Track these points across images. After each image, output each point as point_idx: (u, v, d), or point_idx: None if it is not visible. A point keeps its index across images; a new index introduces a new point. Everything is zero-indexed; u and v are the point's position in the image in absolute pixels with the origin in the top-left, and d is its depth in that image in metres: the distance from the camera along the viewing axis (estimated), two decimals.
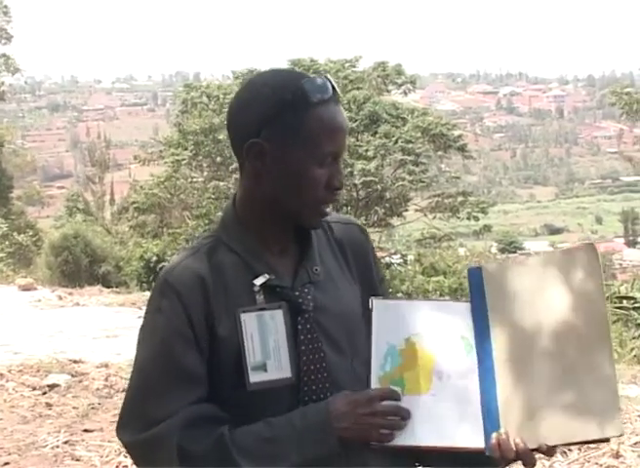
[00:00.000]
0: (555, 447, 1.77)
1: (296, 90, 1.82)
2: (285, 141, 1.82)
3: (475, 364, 1.84)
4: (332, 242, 2.01)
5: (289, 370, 1.82)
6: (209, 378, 1.84)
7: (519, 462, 1.77)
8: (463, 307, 1.89)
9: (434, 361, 1.84)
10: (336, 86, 1.87)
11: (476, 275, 1.90)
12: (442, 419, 1.80)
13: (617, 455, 5.31)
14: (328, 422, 1.74)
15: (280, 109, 1.81)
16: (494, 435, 1.77)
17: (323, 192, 1.85)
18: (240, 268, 1.87)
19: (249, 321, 1.81)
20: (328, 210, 1.91)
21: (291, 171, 1.83)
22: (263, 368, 1.80)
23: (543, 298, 1.80)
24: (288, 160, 1.83)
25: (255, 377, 1.80)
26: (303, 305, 1.86)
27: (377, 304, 1.90)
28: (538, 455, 1.79)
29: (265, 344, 1.81)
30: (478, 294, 1.88)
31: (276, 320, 1.82)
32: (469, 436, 1.79)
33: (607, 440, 1.75)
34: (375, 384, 1.83)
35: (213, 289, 1.84)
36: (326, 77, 1.87)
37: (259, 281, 1.84)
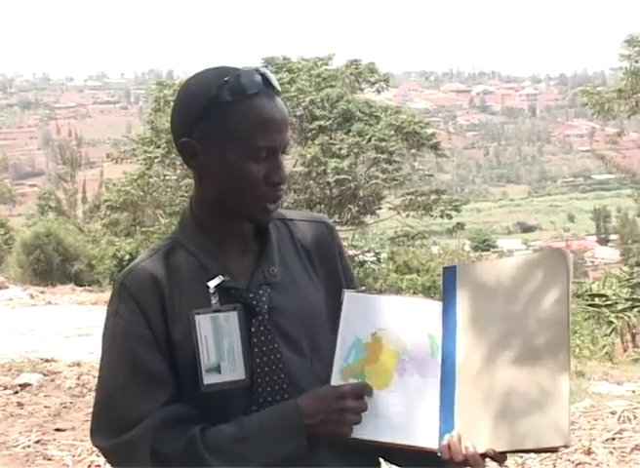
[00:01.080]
0: (505, 453, 1.75)
1: (222, 85, 1.78)
2: (215, 139, 1.80)
3: (439, 363, 1.83)
4: (296, 241, 1.98)
5: (243, 373, 1.80)
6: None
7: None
8: (436, 306, 1.88)
9: (398, 357, 1.82)
10: (272, 79, 1.82)
11: (450, 274, 1.89)
12: (398, 416, 1.78)
13: (588, 452, 5.34)
14: (298, 420, 1.73)
15: (207, 106, 1.79)
16: (446, 436, 1.76)
17: (263, 188, 1.82)
18: (196, 270, 1.85)
19: (203, 323, 1.80)
20: (273, 206, 1.86)
21: (225, 168, 1.80)
22: (217, 369, 1.79)
23: (511, 304, 1.79)
24: (221, 157, 1.80)
25: (209, 379, 1.79)
26: (257, 307, 1.84)
27: (347, 297, 1.89)
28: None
29: (220, 346, 1.80)
30: (450, 294, 1.86)
31: (230, 322, 1.81)
32: (424, 435, 1.78)
33: (555, 450, 1.73)
34: (336, 376, 1.82)
35: (168, 291, 1.83)
36: (258, 70, 1.83)
37: (213, 283, 1.82)
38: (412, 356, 1.83)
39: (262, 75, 1.81)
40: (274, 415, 1.75)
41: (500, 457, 1.75)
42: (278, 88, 1.84)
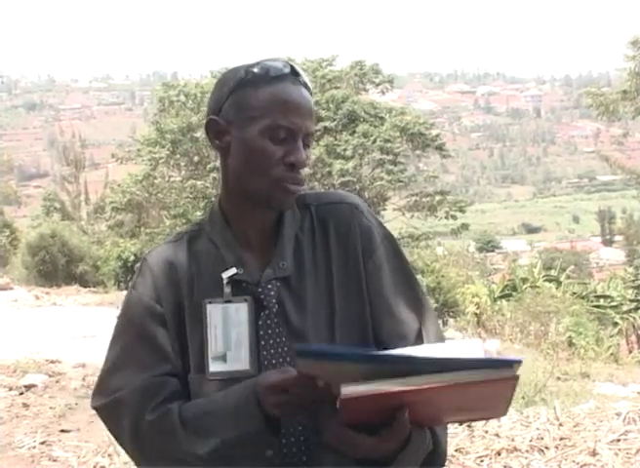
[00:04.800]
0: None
1: (252, 68, 1.85)
2: (240, 117, 1.85)
3: None
4: (315, 229, 1.96)
5: (247, 364, 1.83)
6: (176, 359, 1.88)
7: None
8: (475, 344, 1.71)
9: None
10: (299, 70, 1.88)
11: None
12: None
13: (593, 453, 5.33)
14: (255, 404, 1.72)
15: (235, 87, 1.85)
16: None
17: (280, 168, 1.83)
18: (215, 259, 1.90)
19: (214, 312, 1.85)
20: (293, 187, 1.86)
21: (246, 146, 1.84)
22: (223, 358, 1.83)
23: None
24: (243, 136, 1.84)
25: (214, 367, 1.83)
26: (265, 302, 1.85)
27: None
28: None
29: (227, 336, 1.84)
30: None
31: (240, 313, 1.84)
32: None
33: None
34: None
35: (186, 276, 1.89)
36: (287, 61, 1.89)
37: (226, 274, 1.86)
38: None
39: (291, 65, 1.87)
40: (238, 390, 1.77)
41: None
42: (306, 81, 1.89)
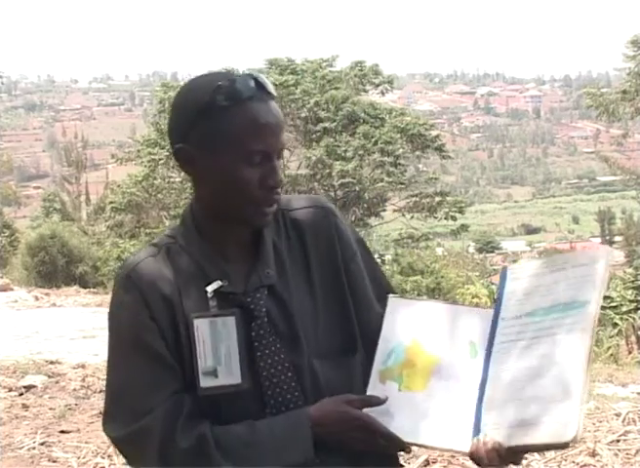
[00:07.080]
0: (517, 454, 1.74)
1: (216, 90, 1.78)
2: (210, 144, 1.80)
3: (479, 369, 1.82)
4: (290, 234, 1.95)
5: (239, 377, 1.81)
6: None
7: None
8: (483, 313, 1.88)
9: (436, 362, 1.84)
10: (266, 83, 1.83)
11: (503, 277, 1.89)
12: (432, 419, 1.80)
13: (593, 454, 5.33)
14: (308, 430, 1.76)
15: (201, 111, 1.79)
16: (473, 440, 1.75)
17: (258, 192, 1.81)
18: (195, 273, 1.86)
19: (202, 326, 1.82)
20: (269, 209, 1.85)
21: (221, 173, 1.81)
22: (214, 373, 1.81)
23: (546, 310, 1.77)
24: (216, 163, 1.80)
25: (205, 382, 1.80)
26: (255, 311, 1.84)
27: (392, 301, 1.92)
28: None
29: (217, 350, 1.82)
30: (499, 299, 1.86)
31: (228, 326, 1.82)
32: (457, 438, 1.77)
33: (565, 445, 1.68)
34: (374, 377, 1.86)
35: (174, 291, 1.84)
36: (251, 74, 1.83)
37: (211, 287, 1.83)
38: (450, 361, 1.84)
39: (256, 80, 1.82)
40: (285, 422, 1.78)
41: (515, 458, 1.74)
42: (273, 92, 1.84)
